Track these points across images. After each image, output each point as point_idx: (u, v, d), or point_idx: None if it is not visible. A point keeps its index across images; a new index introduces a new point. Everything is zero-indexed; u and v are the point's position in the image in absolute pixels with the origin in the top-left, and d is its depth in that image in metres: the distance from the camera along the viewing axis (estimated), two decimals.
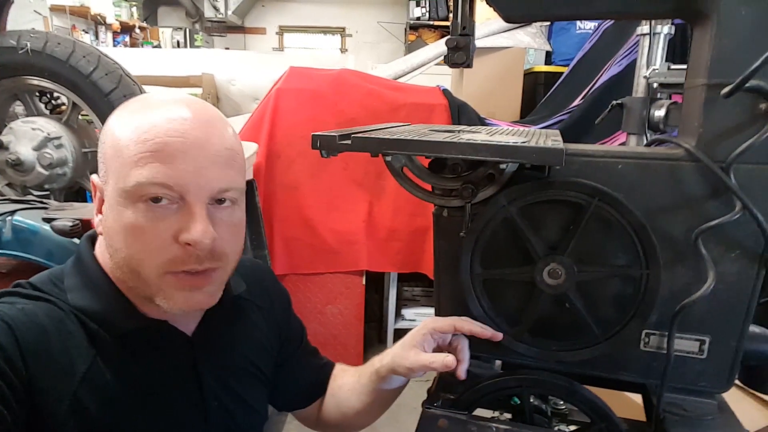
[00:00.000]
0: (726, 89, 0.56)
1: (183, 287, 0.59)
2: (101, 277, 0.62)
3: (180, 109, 0.58)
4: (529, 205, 0.65)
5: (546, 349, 0.69)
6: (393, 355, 0.74)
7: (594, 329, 0.66)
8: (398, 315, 2.65)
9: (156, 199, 0.56)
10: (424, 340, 0.71)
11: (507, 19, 0.73)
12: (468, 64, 0.76)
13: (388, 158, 0.69)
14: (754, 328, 0.69)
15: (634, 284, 0.64)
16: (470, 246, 0.67)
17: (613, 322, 0.66)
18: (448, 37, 0.77)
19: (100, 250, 0.64)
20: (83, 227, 1.39)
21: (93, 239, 0.67)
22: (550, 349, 0.69)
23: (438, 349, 0.73)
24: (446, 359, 0.67)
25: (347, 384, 0.86)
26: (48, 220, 1.42)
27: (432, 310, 0.79)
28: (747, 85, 0.55)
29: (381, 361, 0.78)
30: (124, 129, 0.57)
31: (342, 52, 7.08)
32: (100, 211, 0.61)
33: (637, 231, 0.62)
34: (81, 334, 0.59)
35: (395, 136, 0.63)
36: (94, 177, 0.62)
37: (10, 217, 1.45)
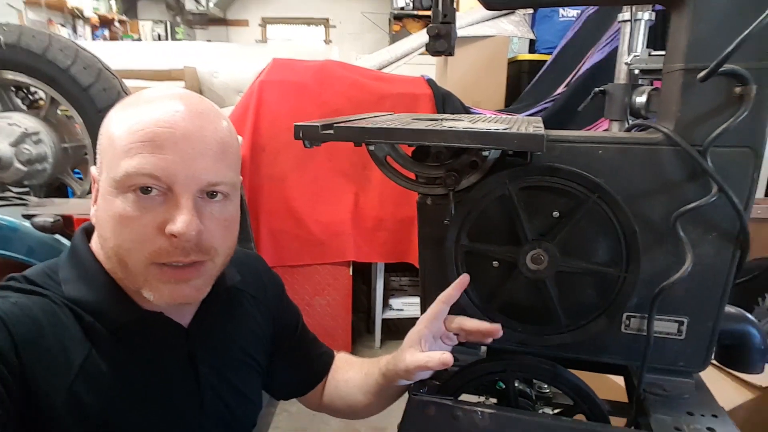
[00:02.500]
0: (702, 73, 0.57)
1: (168, 280, 0.59)
2: (97, 269, 0.62)
3: (173, 102, 0.59)
4: (528, 188, 0.65)
5: (511, 329, 0.70)
6: (395, 358, 0.74)
7: (561, 319, 0.67)
8: (386, 305, 2.66)
9: (145, 190, 0.57)
10: (420, 337, 0.71)
11: (488, 6, 0.73)
12: (449, 52, 0.76)
13: (372, 147, 0.69)
14: (729, 309, 0.70)
15: (610, 284, 0.65)
16: (461, 216, 0.68)
17: (582, 315, 0.67)
18: (430, 25, 0.77)
19: (96, 243, 0.64)
20: (64, 223, 1.37)
21: (88, 232, 0.66)
22: (515, 329, 0.70)
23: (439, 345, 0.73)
24: (443, 356, 0.66)
25: (353, 380, 0.87)
26: (28, 217, 1.40)
27: (419, 300, 0.80)
28: (722, 69, 0.55)
29: (387, 364, 0.77)
30: (118, 121, 0.59)
31: (326, 43, 7.02)
32: (95, 202, 0.62)
33: (626, 234, 0.63)
34: (76, 326, 0.59)
35: (378, 125, 0.63)
36: (92, 169, 0.62)
37: None
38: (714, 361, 0.71)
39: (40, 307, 0.58)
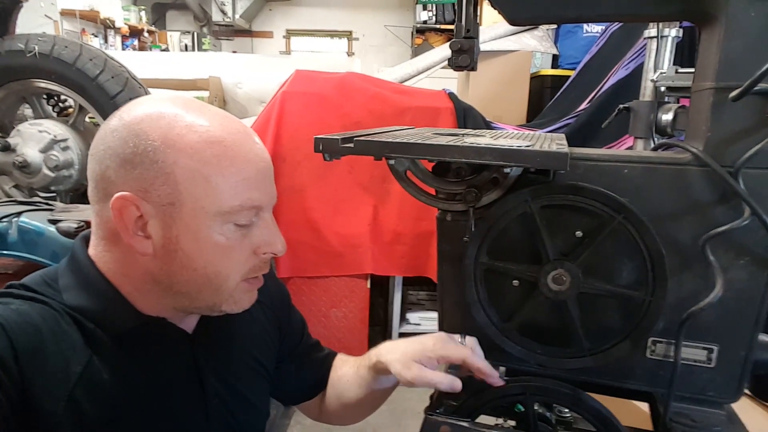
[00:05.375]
0: (734, 92, 0.55)
1: (250, 290, 0.65)
2: (98, 277, 0.62)
3: (246, 134, 0.62)
4: (551, 206, 0.64)
5: (531, 351, 0.68)
6: (394, 360, 0.73)
7: (583, 342, 0.65)
8: (403, 319, 2.64)
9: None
10: (428, 362, 0.71)
11: (512, 22, 0.72)
12: (472, 67, 0.76)
13: (392, 162, 0.68)
14: (763, 337, 0.67)
15: (635, 308, 0.63)
16: (481, 233, 0.66)
17: (605, 339, 0.65)
18: (453, 40, 0.77)
19: (95, 251, 0.63)
20: (88, 228, 1.40)
21: (87, 240, 0.66)
22: (535, 351, 0.68)
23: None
24: (454, 383, 0.67)
25: (346, 375, 0.87)
26: (53, 222, 1.43)
27: (436, 314, 0.78)
28: (756, 88, 0.54)
29: (378, 356, 0.76)
30: (206, 159, 0.57)
31: (349, 55, 7.10)
32: (142, 230, 0.58)
33: (653, 257, 0.61)
34: (76, 334, 0.59)
35: (398, 140, 0.62)
36: (125, 194, 0.56)
37: (16, 219, 1.46)
38: (747, 392, 0.68)
39: (41, 314, 0.58)
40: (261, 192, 0.61)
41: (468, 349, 0.69)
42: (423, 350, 0.71)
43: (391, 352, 0.74)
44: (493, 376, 0.69)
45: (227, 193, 0.58)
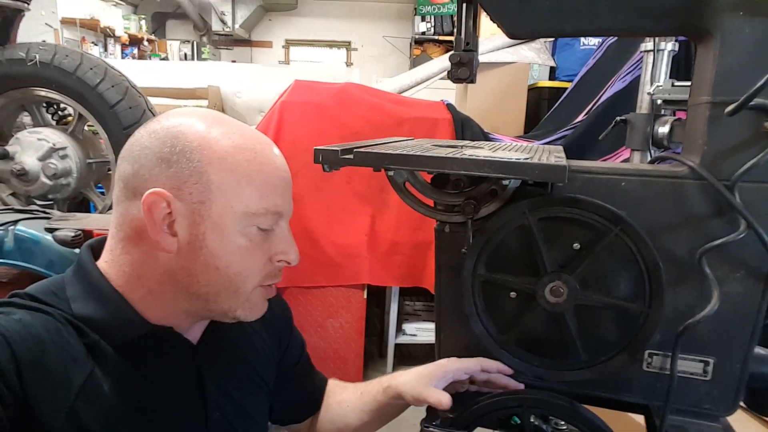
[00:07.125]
0: (730, 107, 0.56)
1: (265, 297, 0.68)
2: (106, 286, 0.62)
3: (273, 145, 0.67)
4: (548, 218, 0.64)
5: (528, 363, 0.68)
6: (406, 382, 0.75)
7: (581, 354, 0.65)
8: (399, 329, 2.63)
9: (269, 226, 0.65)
10: (438, 379, 0.72)
11: (510, 36, 0.73)
12: (471, 80, 0.76)
13: (391, 173, 0.69)
14: (759, 350, 0.68)
15: (633, 320, 0.63)
16: (479, 245, 0.67)
17: (602, 351, 0.65)
18: (452, 52, 0.77)
19: (109, 256, 0.63)
20: (85, 237, 1.39)
21: (93, 248, 0.66)
22: (533, 363, 0.68)
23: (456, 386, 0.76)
24: (442, 399, 0.69)
25: (346, 401, 0.87)
26: (50, 230, 1.42)
27: (433, 325, 0.78)
28: (751, 103, 0.54)
29: (390, 381, 0.79)
30: (236, 163, 0.61)
31: (347, 65, 7.14)
32: (169, 227, 0.59)
33: (650, 269, 0.61)
34: (79, 345, 0.58)
35: (397, 151, 0.63)
36: (158, 190, 0.58)
37: (12, 227, 1.45)
38: (743, 405, 0.68)
39: (44, 325, 0.57)
40: (283, 199, 0.65)
41: (481, 359, 0.72)
42: (439, 366, 0.73)
43: (404, 375, 0.77)
44: (508, 371, 0.71)
45: (254, 196, 0.61)
